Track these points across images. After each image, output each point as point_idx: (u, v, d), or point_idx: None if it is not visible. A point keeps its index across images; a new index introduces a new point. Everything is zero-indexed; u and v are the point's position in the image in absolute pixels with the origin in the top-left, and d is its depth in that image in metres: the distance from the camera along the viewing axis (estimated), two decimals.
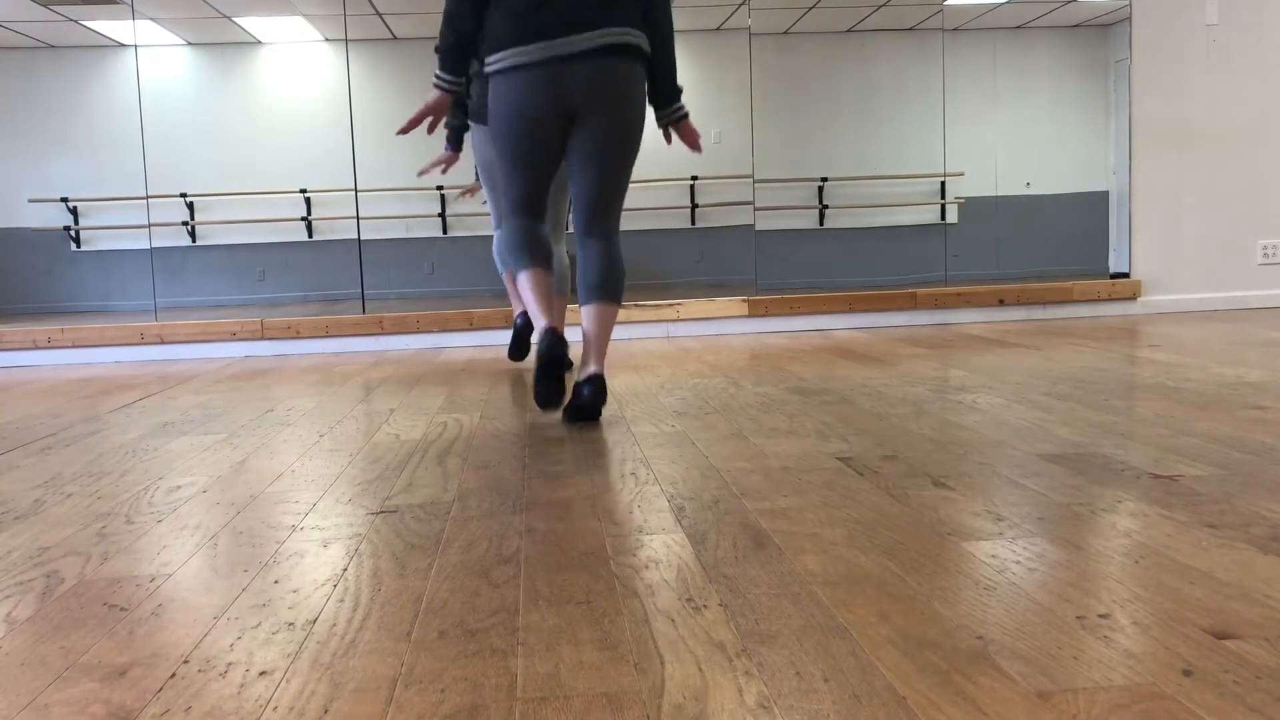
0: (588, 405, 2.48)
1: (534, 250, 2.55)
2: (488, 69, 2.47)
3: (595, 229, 2.56)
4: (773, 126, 5.91)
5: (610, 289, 2.53)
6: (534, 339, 2.65)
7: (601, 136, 2.46)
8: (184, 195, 7.19)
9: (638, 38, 2.46)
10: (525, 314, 3.58)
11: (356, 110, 5.36)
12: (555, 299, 3.43)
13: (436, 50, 2.48)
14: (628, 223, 7.46)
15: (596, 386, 2.47)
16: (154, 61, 7.24)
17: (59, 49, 7.40)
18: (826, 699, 0.98)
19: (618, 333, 4.79)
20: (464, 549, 1.51)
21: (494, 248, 3.66)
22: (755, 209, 5.60)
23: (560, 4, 2.36)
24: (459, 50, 2.45)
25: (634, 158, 2.55)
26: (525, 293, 2.54)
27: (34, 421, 2.91)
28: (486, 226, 7.73)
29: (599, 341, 2.51)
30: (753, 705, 0.98)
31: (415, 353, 4.48)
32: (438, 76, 2.47)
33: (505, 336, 4.73)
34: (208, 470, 2.14)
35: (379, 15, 6.87)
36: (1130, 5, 5.00)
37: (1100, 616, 1.16)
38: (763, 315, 4.85)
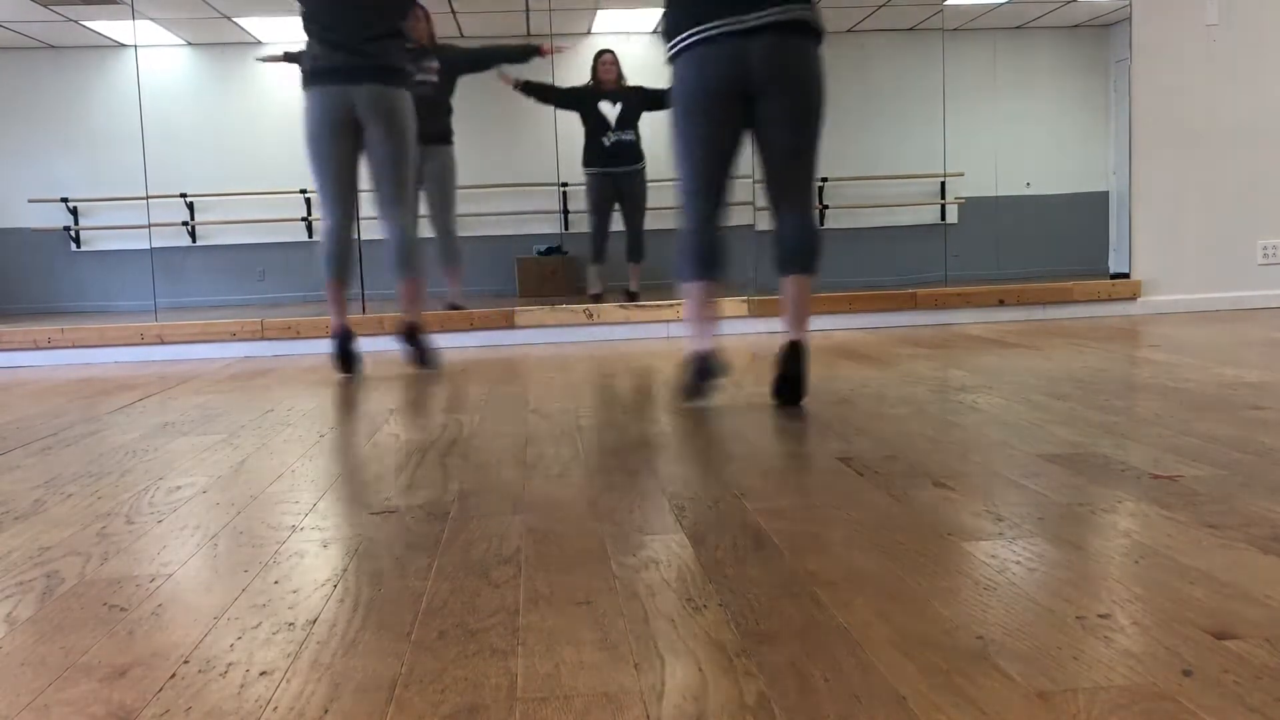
0: (792, 375, 2.59)
1: (708, 256, 2.66)
2: (670, 53, 2.58)
3: (789, 203, 2.63)
4: None
5: (808, 260, 2.63)
6: (689, 357, 2.72)
7: (785, 111, 2.53)
8: (184, 195, 7.19)
9: (812, 13, 2.54)
10: (344, 327, 3.62)
11: None
12: (399, 284, 3.66)
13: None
14: None
15: (796, 352, 2.58)
16: (154, 61, 7.23)
17: (59, 49, 7.40)
18: (826, 699, 0.98)
19: (617, 332, 4.79)
20: (464, 549, 1.51)
21: (320, 251, 3.58)
22: (755, 209, 5.59)
23: None
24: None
25: (820, 129, 2.60)
26: (692, 308, 2.67)
27: (34, 421, 2.91)
28: (486, 227, 7.73)
29: (799, 310, 2.62)
30: (753, 705, 0.98)
31: None
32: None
33: (506, 337, 4.73)
34: (208, 470, 2.14)
35: None
36: (1130, 5, 5.00)
37: (1100, 616, 1.16)
38: (762, 315, 4.85)
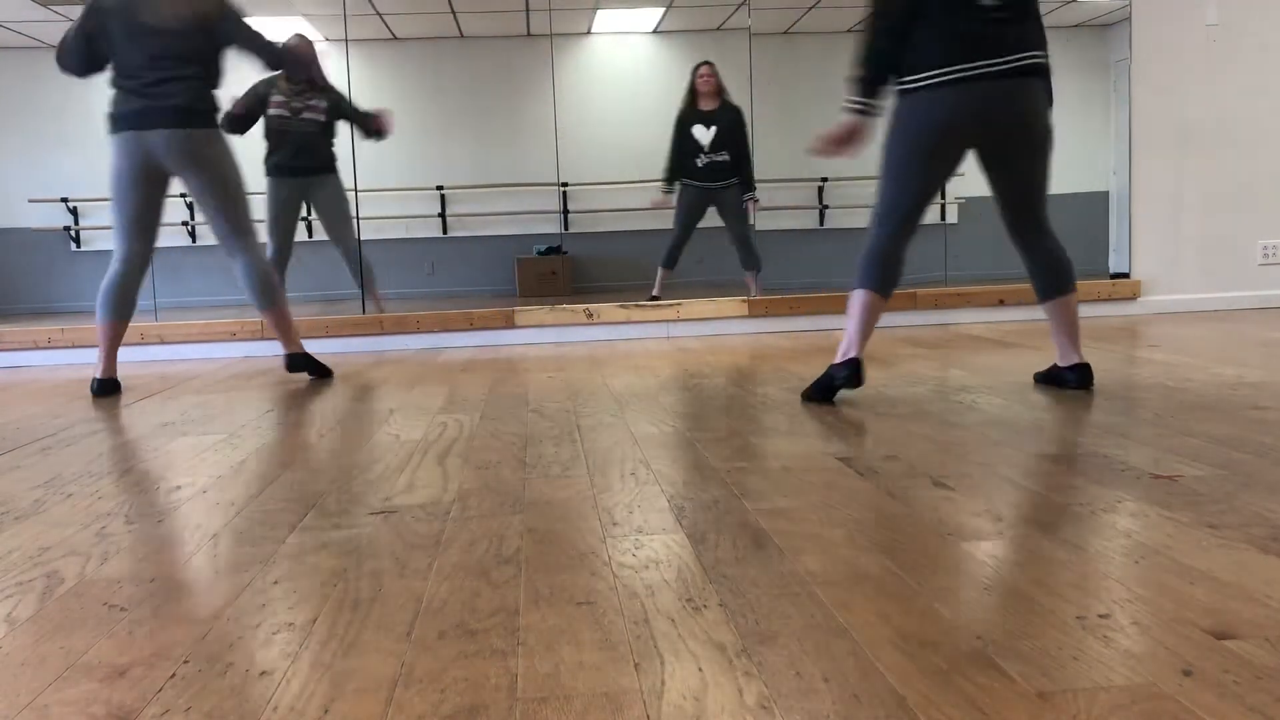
0: (1089, 383, 2.77)
1: (888, 273, 2.75)
2: (912, 85, 2.60)
3: (1035, 230, 2.77)
4: (773, 126, 5.91)
5: (1070, 279, 2.78)
6: (842, 362, 2.74)
7: (1031, 149, 2.67)
8: (184, 195, 7.18)
9: (1046, 59, 2.69)
10: (111, 377, 3.52)
11: None
12: (263, 317, 3.61)
13: (854, 79, 2.65)
14: (627, 223, 7.48)
15: (1085, 373, 2.76)
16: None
17: None
18: (826, 699, 0.98)
19: (617, 332, 4.79)
20: (464, 549, 1.51)
21: (104, 286, 3.48)
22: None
23: (992, 28, 2.56)
24: (880, 80, 2.65)
25: (1050, 160, 2.75)
26: (858, 315, 2.72)
27: (34, 421, 2.91)
28: (487, 227, 7.73)
29: (1074, 329, 2.78)
30: (753, 705, 0.98)
31: (415, 353, 4.48)
32: (858, 102, 2.66)
33: (506, 336, 4.73)
34: (208, 470, 2.14)
35: (379, 15, 6.87)
36: (1130, 5, 5.00)
37: (1100, 616, 1.16)
38: (763, 315, 4.85)
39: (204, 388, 3.53)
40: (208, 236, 7.26)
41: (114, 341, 3.53)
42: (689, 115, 5.58)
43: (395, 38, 7.49)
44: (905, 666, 1.05)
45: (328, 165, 4.93)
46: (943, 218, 6.67)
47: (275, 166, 4.86)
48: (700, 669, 1.06)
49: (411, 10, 6.95)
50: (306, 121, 4.84)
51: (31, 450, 2.46)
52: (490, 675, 1.07)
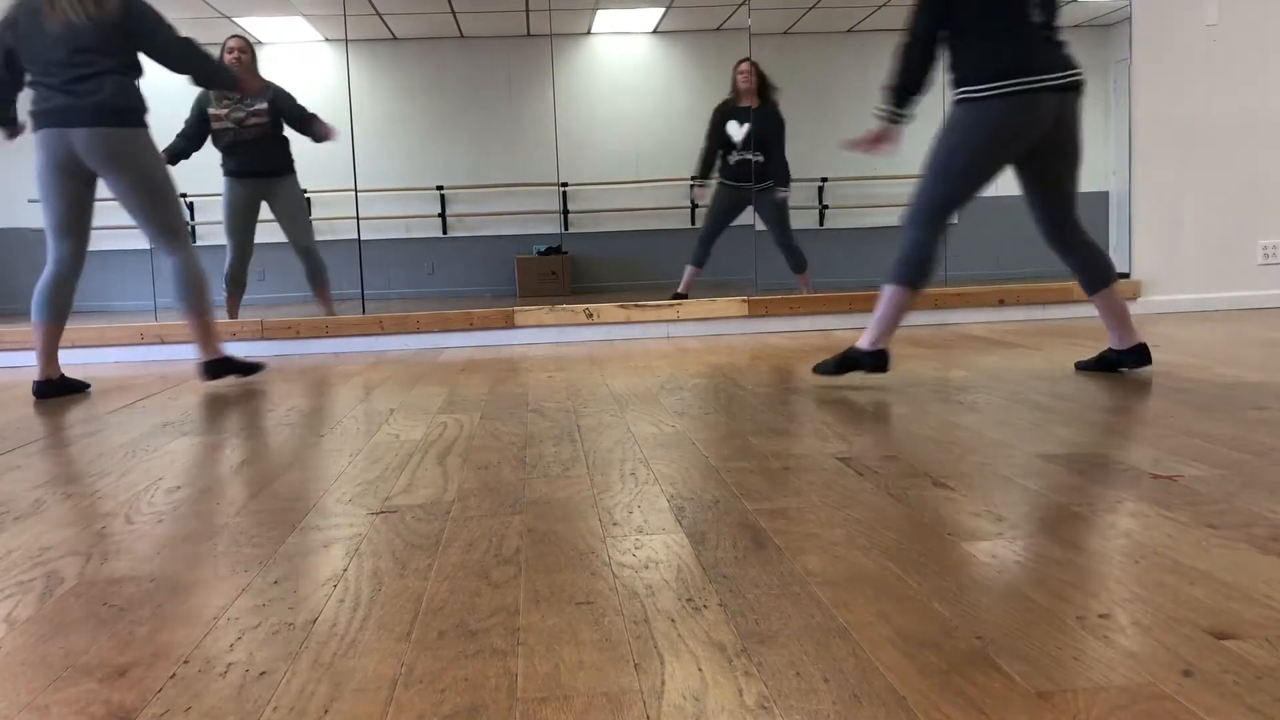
0: (1147, 361, 3.02)
1: (928, 271, 2.90)
2: (979, 94, 2.76)
3: (1074, 230, 2.94)
4: None
5: (1112, 271, 2.99)
6: (863, 353, 2.97)
7: (1072, 159, 2.87)
8: (184, 195, 7.18)
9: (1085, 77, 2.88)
10: (50, 378, 3.47)
11: (356, 110, 5.36)
12: (187, 319, 3.53)
13: (888, 88, 2.88)
14: (626, 223, 7.48)
15: (1142, 353, 3.00)
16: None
17: None
18: (826, 699, 0.98)
19: (617, 332, 4.79)
20: (464, 549, 1.51)
21: (38, 287, 3.45)
22: (755, 210, 5.60)
23: (1044, 46, 2.77)
24: (913, 89, 2.87)
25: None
26: (894, 308, 2.90)
27: (34, 421, 2.91)
28: (487, 227, 7.73)
29: (1124, 314, 3.00)
30: (753, 705, 0.98)
31: (415, 353, 4.48)
32: (890, 111, 2.89)
33: (506, 336, 4.73)
34: (208, 470, 2.14)
35: (379, 15, 6.87)
36: (1130, 5, 5.00)
37: (1100, 616, 1.16)
38: (763, 315, 4.85)
39: (204, 388, 3.53)
40: (206, 237, 7.26)
41: (49, 343, 3.46)
42: (726, 109, 5.55)
43: (395, 38, 7.49)
44: (905, 666, 1.05)
45: (284, 167, 4.90)
46: None
47: (230, 170, 4.86)
48: (700, 669, 1.06)
49: (411, 10, 6.95)
50: (251, 128, 4.82)
51: (31, 450, 2.46)
52: (490, 675, 1.07)
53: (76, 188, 3.38)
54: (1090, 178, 6.03)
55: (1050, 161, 2.85)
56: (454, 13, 7.01)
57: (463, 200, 7.75)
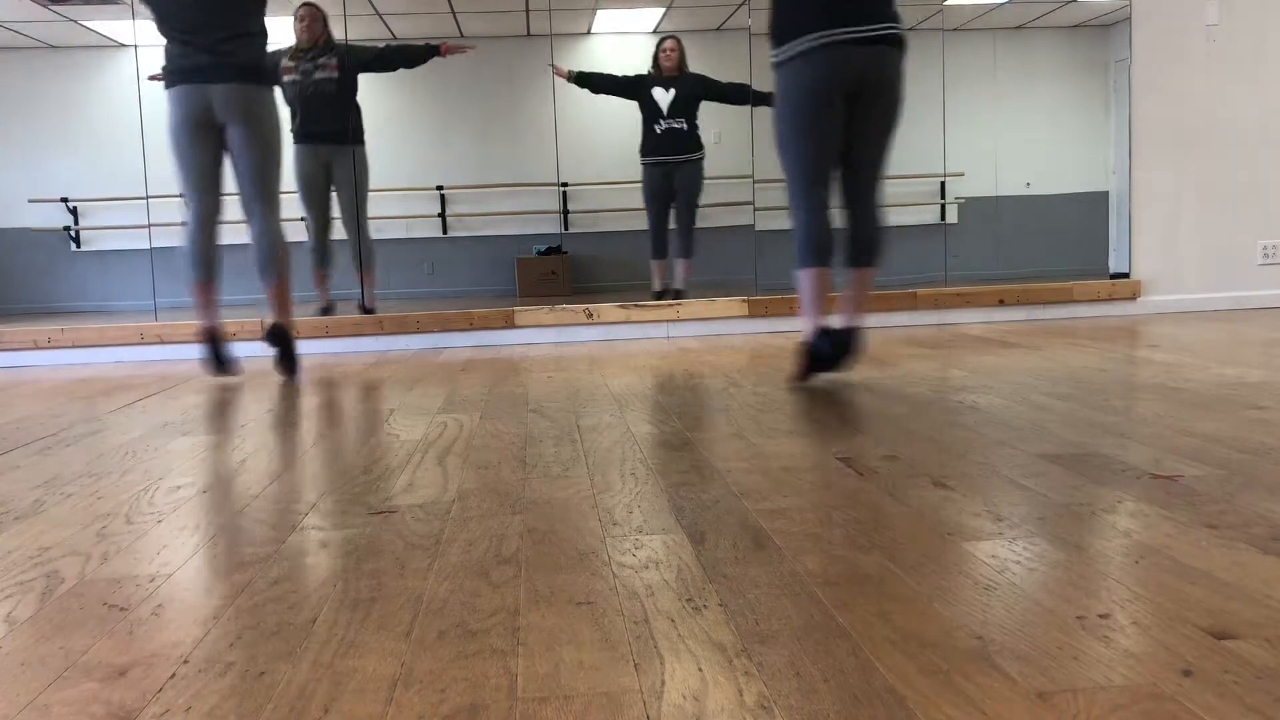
0: (845, 349, 2.96)
1: (823, 244, 2.88)
2: (783, 55, 2.81)
3: (869, 192, 2.91)
4: (771, 126, 5.90)
5: (878, 254, 2.95)
6: (807, 340, 3.01)
7: (878, 116, 2.84)
8: (184, 195, 7.18)
9: (905, 31, 2.86)
10: (213, 329, 3.61)
11: None
12: (265, 288, 3.67)
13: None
14: (627, 223, 7.48)
15: (848, 339, 2.91)
16: (154, 61, 7.23)
17: (59, 49, 7.40)
18: (826, 699, 0.98)
19: (616, 332, 4.79)
20: (464, 549, 1.51)
21: (183, 252, 3.57)
22: (755, 209, 5.59)
23: (857, 1, 2.75)
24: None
25: (896, 131, 2.91)
26: (809, 292, 2.90)
27: (34, 421, 2.91)
28: (487, 227, 7.73)
29: (862, 300, 2.95)
30: (753, 705, 0.98)
31: (415, 353, 4.48)
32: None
33: (506, 336, 4.74)
34: (208, 470, 2.14)
35: (379, 15, 6.87)
36: (1130, 5, 5.00)
37: (1100, 616, 1.16)
38: (763, 315, 4.85)
39: (204, 388, 3.53)
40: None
41: (206, 298, 3.62)
42: (649, 78, 5.52)
43: (395, 38, 7.49)
44: (905, 666, 1.05)
45: (350, 135, 4.89)
46: (943, 218, 6.67)
47: (296, 133, 4.87)
48: (700, 669, 1.06)
49: (411, 10, 6.95)
50: (321, 82, 4.81)
51: (31, 450, 2.46)
52: (490, 675, 1.07)
53: (209, 145, 3.51)
54: (1090, 178, 6.04)
55: (862, 113, 2.82)
56: (454, 13, 7.01)
57: (463, 200, 7.75)
